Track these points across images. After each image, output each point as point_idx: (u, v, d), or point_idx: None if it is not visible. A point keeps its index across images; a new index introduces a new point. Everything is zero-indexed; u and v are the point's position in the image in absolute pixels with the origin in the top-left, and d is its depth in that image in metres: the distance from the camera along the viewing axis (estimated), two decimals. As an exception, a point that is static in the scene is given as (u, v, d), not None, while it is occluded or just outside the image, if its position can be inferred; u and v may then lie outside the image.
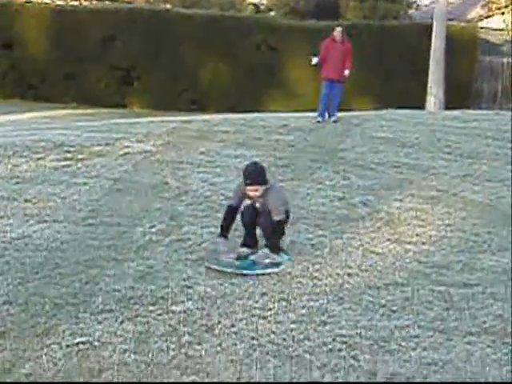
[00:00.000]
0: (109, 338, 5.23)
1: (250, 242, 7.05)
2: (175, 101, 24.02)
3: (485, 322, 5.86)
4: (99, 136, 11.71)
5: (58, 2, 28.19)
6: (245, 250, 6.97)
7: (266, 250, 6.81)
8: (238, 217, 7.08)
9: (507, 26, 29.04)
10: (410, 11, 30.90)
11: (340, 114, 14.74)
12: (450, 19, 24.60)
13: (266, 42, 24.56)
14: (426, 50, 22.04)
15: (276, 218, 6.80)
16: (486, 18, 31.81)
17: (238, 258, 6.82)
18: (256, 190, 6.88)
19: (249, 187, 6.90)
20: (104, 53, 24.46)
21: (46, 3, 27.14)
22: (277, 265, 6.76)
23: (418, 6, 31.15)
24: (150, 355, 5.01)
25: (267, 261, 6.75)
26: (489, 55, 26.03)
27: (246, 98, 23.76)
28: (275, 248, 6.88)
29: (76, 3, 29.21)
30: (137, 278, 6.35)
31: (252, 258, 6.80)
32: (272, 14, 30.69)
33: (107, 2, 28.59)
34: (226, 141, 11.46)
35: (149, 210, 8.23)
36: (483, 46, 26.08)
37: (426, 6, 30.60)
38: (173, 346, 5.15)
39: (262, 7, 32.13)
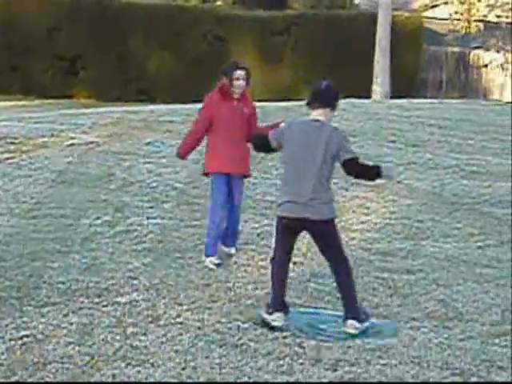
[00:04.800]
0: (53, 330, 5.20)
1: (280, 305, 5.55)
2: (122, 91, 23.76)
3: (427, 308, 5.96)
4: (44, 127, 11.58)
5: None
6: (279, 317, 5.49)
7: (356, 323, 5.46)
8: None
9: (451, 15, 29.39)
10: (357, 1, 31.05)
11: (286, 104, 14.76)
12: (395, 9, 24.78)
13: (212, 32, 24.48)
14: (372, 39, 22.17)
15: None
16: (432, 7, 32.12)
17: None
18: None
19: None
20: (49, 43, 24.10)
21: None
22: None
23: (364, -5, 31.33)
24: (95, 347, 4.98)
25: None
26: (433, 45, 26.32)
27: (193, 88, 23.62)
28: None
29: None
30: (82, 270, 6.32)
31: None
32: (219, 3, 30.57)
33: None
34: (171, 131, 11.41)
35: (94, 202, 8.19)
36: (428, 35, 26.35)
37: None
38: (118, 338, 5.13)
39: (209, -3, 32.02)
